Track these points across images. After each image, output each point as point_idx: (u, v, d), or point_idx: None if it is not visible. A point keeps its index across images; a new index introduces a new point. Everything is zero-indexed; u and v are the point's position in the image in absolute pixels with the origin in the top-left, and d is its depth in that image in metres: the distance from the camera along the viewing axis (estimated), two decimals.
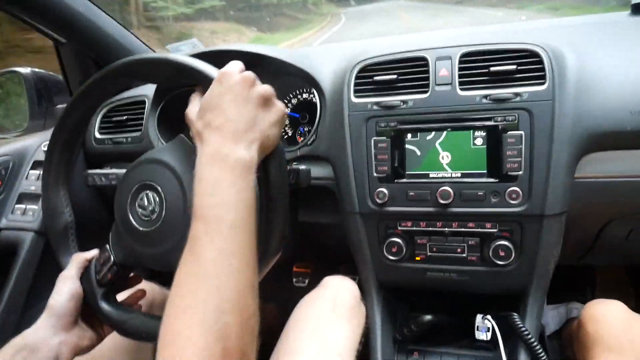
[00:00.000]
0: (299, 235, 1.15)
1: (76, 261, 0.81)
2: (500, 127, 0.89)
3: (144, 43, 1.38)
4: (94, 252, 0.83)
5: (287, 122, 1.18)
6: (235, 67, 0.67)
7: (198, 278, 0.54)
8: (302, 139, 1.16)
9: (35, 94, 1.38)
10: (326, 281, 1.03)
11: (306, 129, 1.15)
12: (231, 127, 0.62)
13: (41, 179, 0.86)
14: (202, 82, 0.69)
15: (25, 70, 1.39)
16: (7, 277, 1.17)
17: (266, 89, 0.68)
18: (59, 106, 1.42)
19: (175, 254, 0.69)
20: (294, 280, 1.58)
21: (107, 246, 0.81)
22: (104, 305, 0.78)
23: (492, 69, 0.90)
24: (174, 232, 0.70)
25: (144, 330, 0.76)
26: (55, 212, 0.86)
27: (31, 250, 1.19)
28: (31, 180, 1.30)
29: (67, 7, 1.14)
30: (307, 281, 1.56)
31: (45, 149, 1.32)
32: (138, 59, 0.75)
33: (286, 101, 1.18)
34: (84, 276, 0.79)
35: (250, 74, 0.67)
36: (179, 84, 1.09)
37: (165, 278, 0.74)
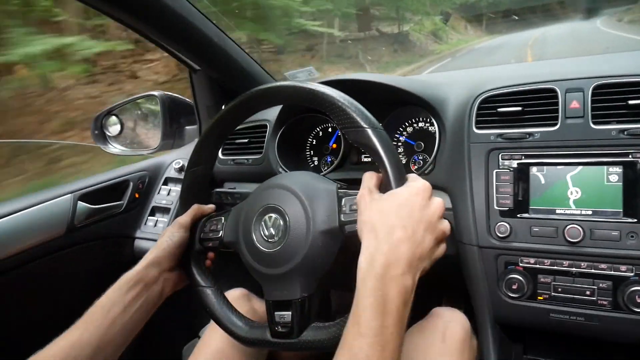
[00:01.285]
0: None
1: (193, 213, 0.90)
2: (639, 164, 0.83)
3: (268, 73, 1.47)
4: (210, 208, 0.92)
5: (401, 149, 1.19)
6: (427, 185, 0.68)
7: None
8: (415, 167, 1.16)
9: (168, 115, 1.52)
10: (436, 312, 1.00)
11: (421, 157, 1.16)
12: (409, 251, 0.62)
13: (176, 213, 0.94)
14: (359, 130, 0.70)
15: (160, 93, 1.55)
16: None
17: (446, 225, 0.69)
18: (188, 127, 1.55)
19: (291, 276, 0.73)
20: None
21: (222, 220, 0.87)
22: (193, 263, 0.87)
23: (631, 102, 0.85)
24: (294, 256, 0.73)
25: (205, 304, 0.84)
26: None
27: None
28: (162, 195, 1.44)
29: (203, 37, 1.25)
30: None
31: (177, 166, 1.46)
32: (302, 87, 0.76)
33: (402, 129, 1.19)
34: (194, 229, 0.88)
35: (440, 202, 0.68)
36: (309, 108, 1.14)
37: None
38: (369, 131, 0.68)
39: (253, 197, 0.82)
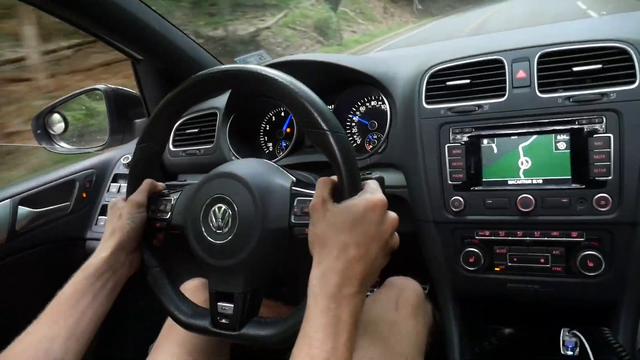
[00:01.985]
0: None
1: (147, 188, 0.85)
2: (585, 130, 0.84)
3: (214, 57, 1.42)
4: (162, 185, 0.89)
5: (355, 129, 1.17)
6: (384, 200, 0.64)
7: None
8: (370, 146, 1.15)
9: (115, 109, 1.45)
10: (389, 281, 1.01)
11: (375, 136, 1.14)
12: (362, 270, 0.60)
13: (126, 191, 0.89)
14: (317, 130, 0.66)
15: (104, 87, 1.48)
16: None
17: (396, 240, 0.67)
18: (137, 121, 1.49)
19: (237, 270, 0.71)
20: None
21: (172, 201, 0.84)
22: (143, 244, 0.84)
23: (575, 69, 0.86)
24: (241, 250, 0.71)
25: (150, 284, 0.82)
26: None
27: None
28: (112, 193, 1.38)
29: (143, 25, 1.19)
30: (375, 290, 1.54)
31: (125, 162, 1.40)
32: (251, 71, 0.71)
33: (355, 108, 1.17)
34: (148, 208, 0.85)
35: (395, 218, 0.65)
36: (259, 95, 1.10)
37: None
38: (329, 135, 0.65)
39: (202, 185, 0.78)
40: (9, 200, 1.15)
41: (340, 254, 0.60)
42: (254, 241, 0.70)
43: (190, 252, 0.77)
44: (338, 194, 0.65)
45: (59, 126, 1.47)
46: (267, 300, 0.80)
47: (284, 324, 0.68)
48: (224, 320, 0.73)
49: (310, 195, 0.68)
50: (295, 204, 0.72)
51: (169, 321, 0.92)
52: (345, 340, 0.57)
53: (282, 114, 1.28)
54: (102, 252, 0.79)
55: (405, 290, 0.96)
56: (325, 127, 0.65)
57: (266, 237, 0.70)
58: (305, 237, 0.66)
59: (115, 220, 0.82)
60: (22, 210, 1.17)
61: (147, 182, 0.86)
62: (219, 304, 0.73)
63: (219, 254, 0.73)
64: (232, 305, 0.72)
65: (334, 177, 0.67)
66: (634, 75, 0.82)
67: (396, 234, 0.66)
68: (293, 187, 0.74)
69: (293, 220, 0.71)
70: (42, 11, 1.04)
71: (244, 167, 0.77)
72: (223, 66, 0.74)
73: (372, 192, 0.64)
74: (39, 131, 1.46)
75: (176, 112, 0.85)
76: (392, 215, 0.65)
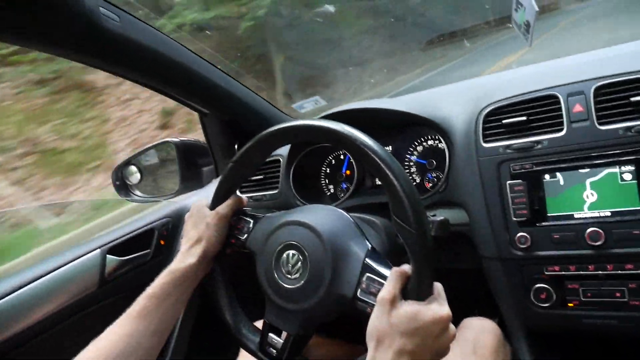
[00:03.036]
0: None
1: (233, 204, 0.89)
2: None
3: (275, 107, 1.50)
4: (245, 203, 0.93)
5: (414, 169, 1.20)
6: (449, 315, 0.66)
7: None
8: (430, 184, 1.17)
9: (184, 159, 1.56)
10: (465, 322, 1.00)
11: (434, 174, 1.17)
12: None
13: (211, 202, 0.92)
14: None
15: (174, 139, 1.59)
16: None
17: (449, 349, 0.68)
18: (204, 169, 1.59)
19: (295, 314, 0.76)
20: None
21: (250, 224, 0.88)
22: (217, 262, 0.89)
23: (633, 99, 0.85)
24: (305, 299, 0.75)
25: (213, 291, 0.87)
26: None
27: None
28: None
29: (209, 83, 1.29)
30: None
31: None
32: (323, 127, 0.75)
33: (412, 149, 1.20)
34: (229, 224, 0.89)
35: (454, 333, 0.67)
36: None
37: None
38: (416, 235, 0.66)
39: (282, 225, 0.81)
40: (98, 249, 1.26)
41: (394, 357, 0.62)
42: (317, 297, 0.74)
43: (253, 277, 0.82)
44: (408, 292, 0.67)
45: (134, 177, 1.59)
46: None
47: None
48: (270, 350, 0.79)
49: (382, 277, 0.70)
50: (364, 279, 0.72)
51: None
52: None
53: (342, 156, 1.33)
54: (188, 258, 0.83)
55: (483, 332, 0.95)
56: (414, 228, 0.65)
57: (330, 296, 0.73)
58: (364, 312, 0.69)
59: (203, 228, 0.85)
60: (110, 258, 1.28)
61: (234, 198, 0.89)
62: (270, 334, 0.79)
63: (283, 295, 0.77)
64: (281, 341, 0.77)
65: (407, 269, 0.68)
66: None
67: (450, 343, 0.67)
68: (367, 259, 0.74)
69: (358, 295, 0.72)
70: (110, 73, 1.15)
71: (319, 218, 0.80)
72: (321, 122, 0.77)
73: (440, 304, 0.66)
74: (117, 182, 1.59)
75: (269, 148, 0.88)
76: (453, 329, 0.66)
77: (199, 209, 0.89)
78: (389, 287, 0.66)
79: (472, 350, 0.91)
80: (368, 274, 0.72)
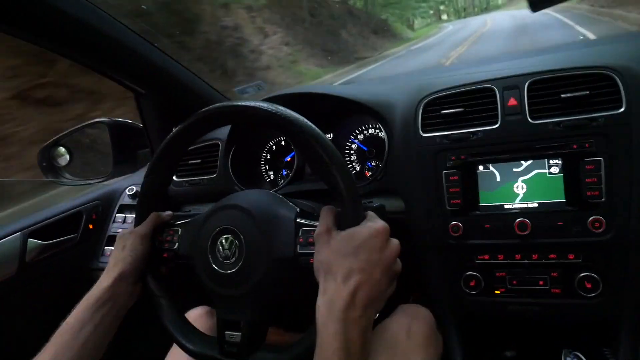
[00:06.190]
0: None
1: (152, 222, 0.87)
2: (576, 154, 0.86)
3: (216, 90, 1.45)
4: (169, 215, 0.90)
5: (354, 157, 1.20)
6: (386, 227, 0.67)
7: None
8: (369, 173, 1.17)
9: (118, 141, 1.48)
10: (400, 308, 1.01)
11: (373, 163, 1.17)
12: (367, 295, 0.62)
13: (134, 224, 0.91)
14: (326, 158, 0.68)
15: (107, 119, 1.51)
16: None
17: (399, 266, 0.69)
18: (140, 151, 1.52)
19: (244, 299, 0.73)
20: None
21: (179, 231, 0.86)
22: (148, 271, 0.86)
23: (563, 95, 0.89)
24: (248, 280, 0.73)
25: (158, 314, 0.83)
26: None
27: None
28: (118, 223, 1.41)
29: (145, 60, 1.23)
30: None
31: (130, 193, 1.42)
32: (263, 109, 0.74)
33: (353, 136, 1.20)
34: (153, 239, 0.86)
35: (397, 245, 0.68)
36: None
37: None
38: (333, 168, 0.68)
39: (210, 215, 0.81)
40: (19, 233, 1.18)
41: (345, 280, 0.62)
42: (260, 271, 0.72)
43: (196, 282, 0.79)
44: (341, 224, 0.68)
45: (63, 158, 1.50)
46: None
47: (293, 350, 0.70)
48: (231, 349, 0.74)
49: (315, 226, 0.71)
50: (300, 234, 0.74)
51: (174, 349, 0.94)
52: None
53: (283, 143, 1.31)
54: (103, 282, 0.80)
55: (417, 318, 0.96)
56: (329, 161, 0.68)
57: (272, 266, 0.72)
58: (311, 266, 0.68)
59: (119, 252, 0.84)
60: (32, 242, 1.20)
61: (152, 215, 0.88)
62: (226, 332, 0.75)
63: (226, 283, 0.75)
64: (240, 334, 0.74)
65: (334, 207, 0.70)
66: (620, 100, 0.85)
67: (398, 260, 0.68)
68: (297, 219, 0.76)
69: (298, 250, 0.73)
70: (43, 48, 1.07)
71: (248, 198, 0.80)
72: (227, 103, 0.77)
73: (374, 220, 0.67)
74: (44, 164, 1.49)
75: (182, 147, 0.88)
76: (395, 241, 0.68)
77: (122, 234, 0.87)
78: (322, 222, 0.69)
79: (406, 335, 0.92)
80: (303, 229, 0.74)
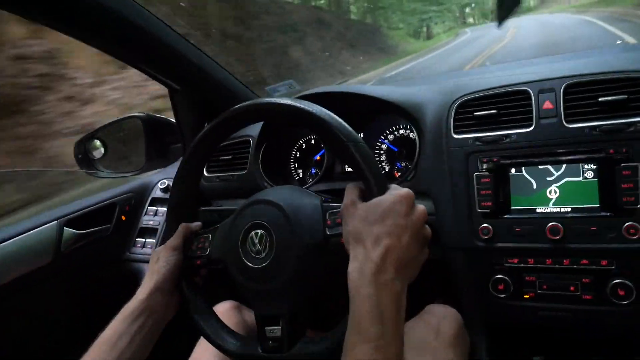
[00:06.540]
0: None
1: (182, 233, 0.89)
2: (612, 159, 0.85)
3: (247, 87, 1.48)
4: (197, 225, 0.92)
5: (384, 157, 1.21)
6: (410, 192, 0.68)
7: None
8: (399, 174, 1.18)
9: (151, 136, 1.52)
10: (429, 308, 1.01)
11: (403, 164, 1.17)
12: (397, 258, 0.63)
13: (166, 214, 0.93)
14: (341, 142, 0.71)
15: (141, 114, 1.55)
16: None
17: (428, 231, 0.70)
18: (172, 146, 1.55)
19: (280, 291, 0.74)
20: None
21: (210, 237, 0.87)
22: (183, 280, 0.87)
23: (601, 99, 0.87)
24: (282, 271, 0.74)
25: (194, 321, 0.84)
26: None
27: None
28: (149, 216, 1.44)
29: (183, 58, 1.25)
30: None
31: (162, 186, 1.46)
32: (281, 104, 0.77)
33: (383, 136, 1.21)
34: (185, 249, 0.88)
35: (423, 210, 0.69)
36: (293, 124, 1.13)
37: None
38: (350, 146, 0.70)
39: (238, 214, 0.82)
40: (55, 222, 1.22)
41: (374, 245, 0.63)
42: (293, 260, 0.73)
43: (230, 285, 0.80)
44: (366, 197, 0.69)
45: (98, 151, 1.54)
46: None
47: (334, 338, 0.70)
48: (273, 344, 0.75)
49: (340, 206, 0.72)
50: (327, 216, 0.75)
51: (198, 347, 0.96)
52: (392, 324, 0.60)
53: (313, 141, 1.32)
54: (139, 294, 0.82)
55: (445, 318, 0.96)
56: (344, 139, 0.70)
57: (304, 254, 0.73)
58: (342, 247, 0.69)
59: (153, 265, 0.86)
60: (67, 231, 1.24)
61: (181, 227, 0.90)
62: (266, 328, 0.75)
63: (260, 277, 0.76)
64: (280, 327, 0.74)
65: (358, 183, 0.71)
66: None
67: (427, 226, 0.69)
68: (323, 203, 0.77)
69: (327, 232, 0.74)
70: (85, 43, 1.11)
71: (274, 192, 0.82)
72: (242, 105, 0.80)
73: (397, 188, 0.69)
74: (80, 156, 1.54)
75: (210, 148, 0.90)
76: (421, 207, 0.68)
77: (156, 250, 0.89)
78: (347, 197, 0.70)
79: (434, 335, 0.92)
80: (329, 211, 0.75)
